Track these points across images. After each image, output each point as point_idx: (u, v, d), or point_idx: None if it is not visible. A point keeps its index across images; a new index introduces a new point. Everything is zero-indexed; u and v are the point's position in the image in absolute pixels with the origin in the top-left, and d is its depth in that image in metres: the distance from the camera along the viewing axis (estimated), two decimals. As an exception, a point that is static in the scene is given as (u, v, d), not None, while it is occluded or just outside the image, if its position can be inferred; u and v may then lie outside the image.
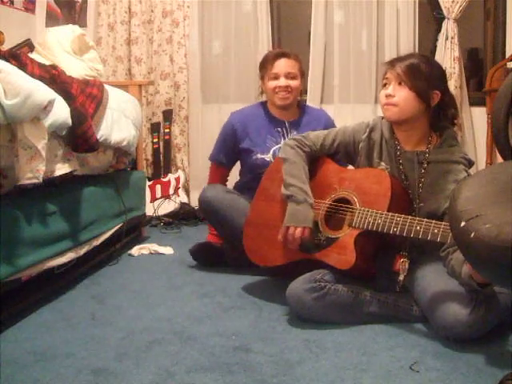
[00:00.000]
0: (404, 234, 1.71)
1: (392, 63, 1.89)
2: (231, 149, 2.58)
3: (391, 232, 1.73)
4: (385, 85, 1.90)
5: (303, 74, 2.59)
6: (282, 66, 2.49)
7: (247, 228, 2.15)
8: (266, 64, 2.54)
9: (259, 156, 2.51)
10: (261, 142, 2.52)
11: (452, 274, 1.73)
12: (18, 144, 1.77)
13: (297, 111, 2.60)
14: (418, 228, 1.68)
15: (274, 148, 2.50)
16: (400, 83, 1.85)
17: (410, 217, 1.72)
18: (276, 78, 2.49)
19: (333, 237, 1.87)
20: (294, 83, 2.49)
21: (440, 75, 1.92)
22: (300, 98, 2.63)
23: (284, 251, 1.98)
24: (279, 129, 2.54)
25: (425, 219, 1.68)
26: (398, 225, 1.72)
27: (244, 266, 2.30)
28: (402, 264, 1.81)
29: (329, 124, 2.56)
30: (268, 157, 2.50)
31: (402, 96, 1.84)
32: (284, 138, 2.51)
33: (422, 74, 1.84)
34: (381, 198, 1.81)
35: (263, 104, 2.63)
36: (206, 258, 2.52)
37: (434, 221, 1.66)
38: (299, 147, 2.04)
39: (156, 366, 1.53)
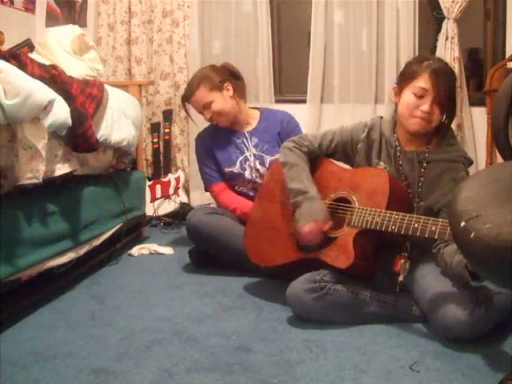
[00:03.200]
0: (402, 232, 1.71)
1: (434, 73, 1.81)
2: (215, 165, 2.60)
3: (389, 230, 1.73)
4: (420, 96, 1.83)
5: (218, 84, 2.50)
6: (196, 103, 2.55)
7: (248, 228, 2.16)
8: (188, 103, 2.60)
9: (227, 170, 2.58)
10: (226, 157, 2.58)
11: (444, 267, 1.74)
12: (18, 144, 1.77)
13: (255, 116, 2.63)
14: (416, 226, 1.68)
15: (240, 159, 2.56)
16: (437, 103, 1.83)
17: (407, 215, 1.72)
18: (201, 113, 2.57)
19: (332, 236, 1.87)
20: (216, 106, 2.49)
21: None
22: (244, 99, 2.61)
23: (284, 251, 1.98)
24: (239, 140, 2.58)
25: (422, 217, 1.69)
26: (396, 223, 1.72)
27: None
28: (403, 265, 1.81)
29: (288, 125, 2.58)
30: (236, 169, 2.56)
31: (437, 115, 1.85)
32: (247, 148, 2.56)
33: (455, 95, 1.87)
34: (379, 197, 1.82)
35: None
36: (204, 261, 2.50)
37: (431, 218, 1.66)
38: (297, 148, 2.04)
39: (156, 366, 1.53)
